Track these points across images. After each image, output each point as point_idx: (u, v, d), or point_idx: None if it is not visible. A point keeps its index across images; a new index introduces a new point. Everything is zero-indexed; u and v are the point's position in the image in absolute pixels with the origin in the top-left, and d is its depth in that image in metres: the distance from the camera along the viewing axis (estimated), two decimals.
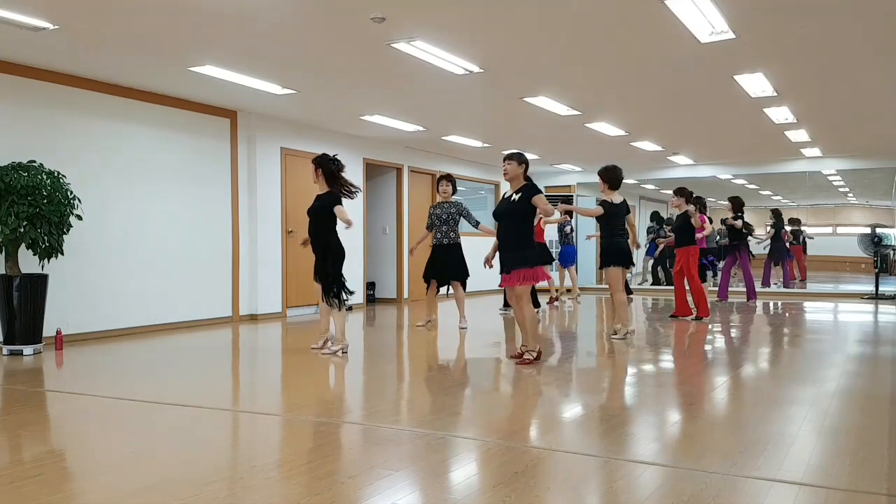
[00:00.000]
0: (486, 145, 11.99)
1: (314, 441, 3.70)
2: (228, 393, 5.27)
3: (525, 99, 8.36)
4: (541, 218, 7.66)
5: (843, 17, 5.61)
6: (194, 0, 5.13)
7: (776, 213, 13.95)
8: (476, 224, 8.17)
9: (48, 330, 6.62)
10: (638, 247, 7.87)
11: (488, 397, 4.90)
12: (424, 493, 2.93)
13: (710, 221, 10.61)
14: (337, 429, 3.98)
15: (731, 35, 5.89)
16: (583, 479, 3.09)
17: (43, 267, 6.52)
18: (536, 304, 9.61)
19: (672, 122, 10.30)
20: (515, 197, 5.71)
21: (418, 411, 4.52)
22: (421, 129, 10.34)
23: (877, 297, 12.18)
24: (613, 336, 7.22)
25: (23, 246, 6.32)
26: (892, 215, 16.59)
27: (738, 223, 10.79)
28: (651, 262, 15.48)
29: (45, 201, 6.29)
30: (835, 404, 4.39)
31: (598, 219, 7.40)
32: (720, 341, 7.65)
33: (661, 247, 13.98)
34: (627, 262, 7.15)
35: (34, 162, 6.47)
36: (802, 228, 16.48)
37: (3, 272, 6.37)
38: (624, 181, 7.42)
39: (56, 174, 6.50)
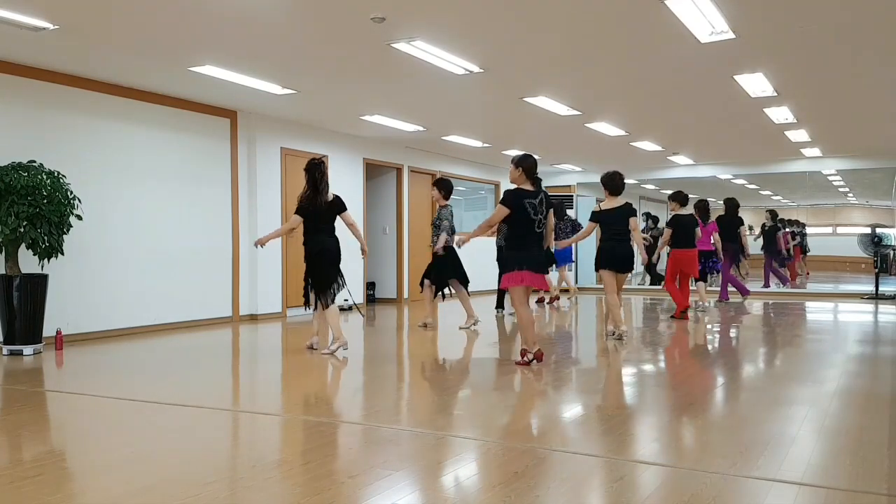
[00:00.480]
0: (486, 145, 11.99)
1: (314, 441, 3.70)
2: (228, 393, 5.27)
3: (525, 99, 8.36)
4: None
5: (843, 17, 5.61)
6: (194, 0, 5.14)
7: (772, 214, 13.95)
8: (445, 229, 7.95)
9: (48, 330, 6.62)
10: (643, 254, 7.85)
11: (488, 397, 4.90)
12: (424, 493, 2.93)
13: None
14: (337, 429, 3.98)
15: (731, 35, 5.89)
16: (583, 479, 3.09)
17: (43, 267, 6.52)
18: (500, 306, 9.67)
19: (672, 122, 10.30)
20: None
21: (418, 411, 4.52)
22: (421, 129, 10.34)
23: (877, 297, 12.18)
24: (612, 336, 7.25)
25: (23, 246, 6.31)
26: (892, 215, 16.59)
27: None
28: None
29: (45, 201, 6.29)
30: (835, 404, 4.39)
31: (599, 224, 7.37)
32: (720, 341, 7.65)
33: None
34: (617, 266, 7.13)
35: (34, 162, 6.47)
36: (797, 229, 16.44)
37: (3, 272, 6.37)
38: (624, 181, 7.41)
39: (56, 174, 6.50)
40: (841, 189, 18.85)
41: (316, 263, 6.27)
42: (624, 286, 7.50)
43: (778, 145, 12.08)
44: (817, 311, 10.89)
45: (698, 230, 9.41)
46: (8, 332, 6.34)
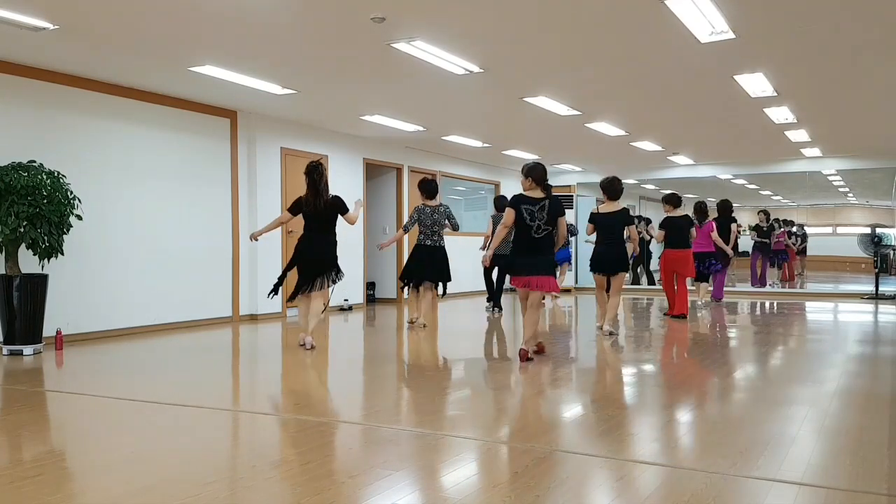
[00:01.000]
0: (486, 145, 11.98)
1: (314, 441, 3.69)
2: (228, 393, 5.27)
3: (525, 99, 8.36)
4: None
5: (844, 17, 5.61)
6: (194, 0, 5.13)
7: (766, 214, 13.95)
8: (456, 227, 8.34)
9: (48, 330, 6.62)
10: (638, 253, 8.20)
11: (488, 397, 4.90)
12: (424, 493, 2.93)
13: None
14: (337, 429, 3.98)
15: (731, 35, 5.89)
16: (582, 479, 3.09)
17: (43, 267, 6.52)
18: (495, 304, 9.85)
19: (672, 122, 10.29)
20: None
21: (418, 411, 4.52)
22: (421, 129, 10.33)
23: (877, 297, 12.18)
24: (599, 331, 7.60)
25: (23, 246, 6.31)
26: (892, 215, 16.57)
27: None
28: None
29: (45, 201, 6.29)
30: (835, 404, 4.39)
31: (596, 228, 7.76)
32: (720, 341, 7.64)
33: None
34: (604, 269, 7.51)
35: (34, 162, 6.47)
36: (794, 229, 16.44)
37: (3, 272, 6.37)
38: (624, 181, 7.77)
39: (56, 174, 6.50)
40: (841, 189, 18.84)
41: (315, 263, 6.62)
42: (623, 286, 7.71)
43: (778, 145, 12.07)
44: (817, 311, 10.89)
45: (693, 230, 9.45)
46: (8, 332, 6.34)
